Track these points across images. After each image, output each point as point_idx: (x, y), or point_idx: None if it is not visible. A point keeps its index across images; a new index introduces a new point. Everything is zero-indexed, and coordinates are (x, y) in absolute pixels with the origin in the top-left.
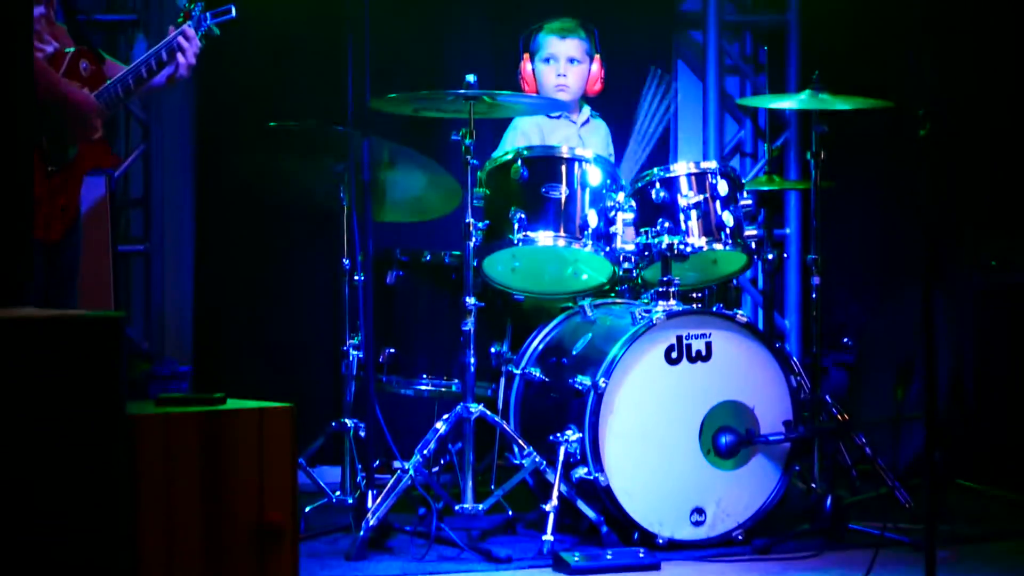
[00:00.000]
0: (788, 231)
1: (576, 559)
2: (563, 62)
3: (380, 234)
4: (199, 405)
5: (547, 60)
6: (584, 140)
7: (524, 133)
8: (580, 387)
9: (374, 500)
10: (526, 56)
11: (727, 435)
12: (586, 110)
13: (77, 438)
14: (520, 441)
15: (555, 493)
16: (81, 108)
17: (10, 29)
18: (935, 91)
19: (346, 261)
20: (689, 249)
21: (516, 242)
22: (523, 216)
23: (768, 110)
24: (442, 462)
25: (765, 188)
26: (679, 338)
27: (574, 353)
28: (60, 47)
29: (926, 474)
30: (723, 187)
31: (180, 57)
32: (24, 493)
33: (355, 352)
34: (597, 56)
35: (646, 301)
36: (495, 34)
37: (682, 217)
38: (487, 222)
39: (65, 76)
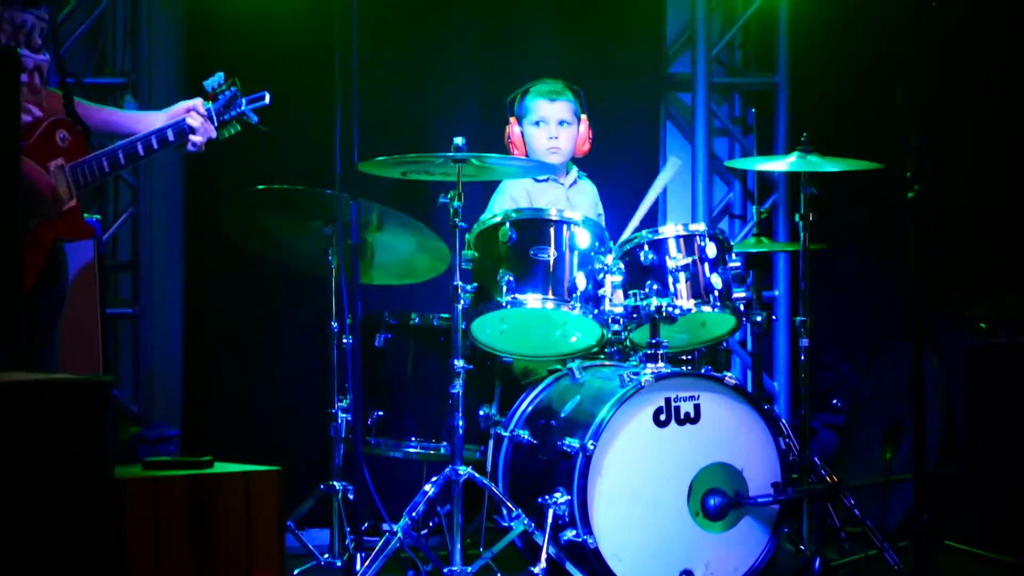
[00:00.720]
0: (777, 293)
1: None
2: (553, 125)
3: (368, 297)
4: (187, 469)
5: (537, 123)
6: (572, 202)
7: (512, 196)
8: (568, 449)
9: (362, 563)
10: (513, 120)
11: (716, 497)
12: (574, 171)
13: (65, 502)
14: (509, 503)
15: (543, 556)
16: (33, 186)
17: None
18: (923, 154)
19: (334, 324)
20: (677, 311)
21: (504, 305)
22: (511, 279)
23: (757, 172)
24: (431, 524)
25: (754, 250)
26: (668, 400)
27: (563, 415)
28: (42, 116)
29: (915, 536)
30: (711, 249)
31: (192, 138)
32: (12, 557)
33: (343, 415)
34: (584, 117)
35: (635, 363)
36: (483, 96)
37: (670, 279)
38: (475, 285)
39: (35, 146)
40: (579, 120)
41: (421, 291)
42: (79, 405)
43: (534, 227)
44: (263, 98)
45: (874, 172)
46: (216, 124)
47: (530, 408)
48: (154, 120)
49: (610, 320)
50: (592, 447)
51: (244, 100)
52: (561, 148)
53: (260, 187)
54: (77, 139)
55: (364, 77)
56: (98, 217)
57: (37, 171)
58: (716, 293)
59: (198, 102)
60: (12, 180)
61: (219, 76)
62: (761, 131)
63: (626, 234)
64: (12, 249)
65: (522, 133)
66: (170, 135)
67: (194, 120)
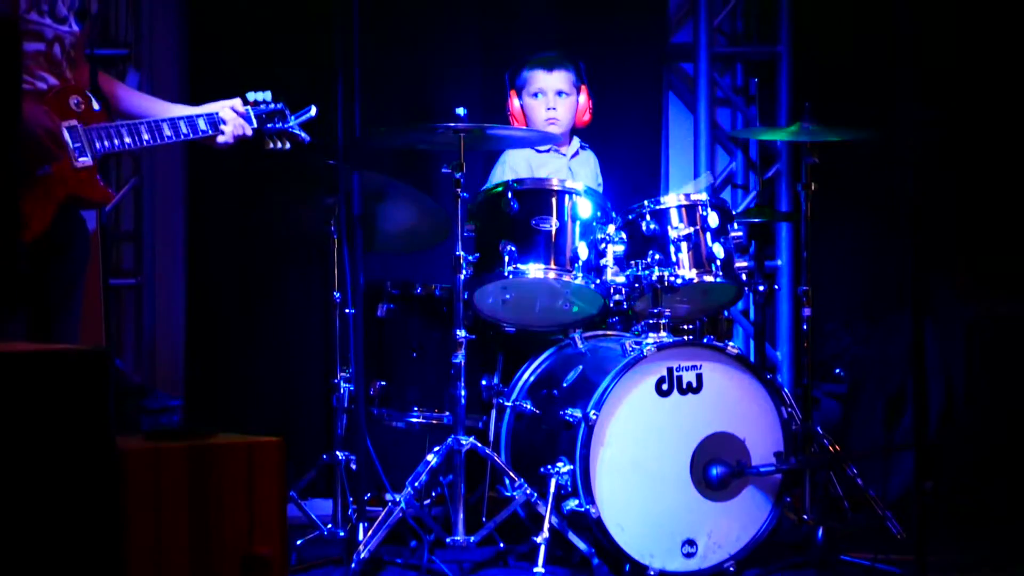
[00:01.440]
0: (779, 263)
1: None
2: (552, 95)
3: (370, 266)
4: (188, 439)
5: (535, 94)
6: (574, 172)
7: (512, 166)
8: (571, 419)
9: (365, 533)
10: (512, 92)
11: (718, 467)
12: (576, 142)
13: (65, 472)
14: (511, 473)
15: (546, 525)
16: (33, 127)
17: None
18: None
19: (337, 294)
20: (679, 281)
21: (507, 275)
22: (513, 249)
23: (759, 142)
24: (433, 494)
25: (756, 220)
26: (670, 370)
27: (565, 385)
28: (60, 84)
29: (916, 504)
30: (713, 219)
31: (223, 127)
32: (11, 526)
33: (346, 385)
34: (584, 87)
35: (637, 333)
36: (485, 66)
37: (672, 249)
38: (477, 255)
39: (47, 106)
40: (578, 90)
41: (423, 261)
42: (80, 375)
43: (536, 197)
44: (309, 111)
45: (876, 141)
46: (256, 125)
47: (532, 378)
48: (189, 112)
49: (612, 290)
50: (594, 416)
51: (292, 116)
52: (560, 119)
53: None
54: (89, 106)
55: (365, 47)
56: None
57: (40, 113)
58: (718, 263)
59: (236, 101)
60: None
61: (267, 94)
62: (763, 101)
63: None
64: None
65: (522, 105)
66: (201, 124)
67: (227, 114)
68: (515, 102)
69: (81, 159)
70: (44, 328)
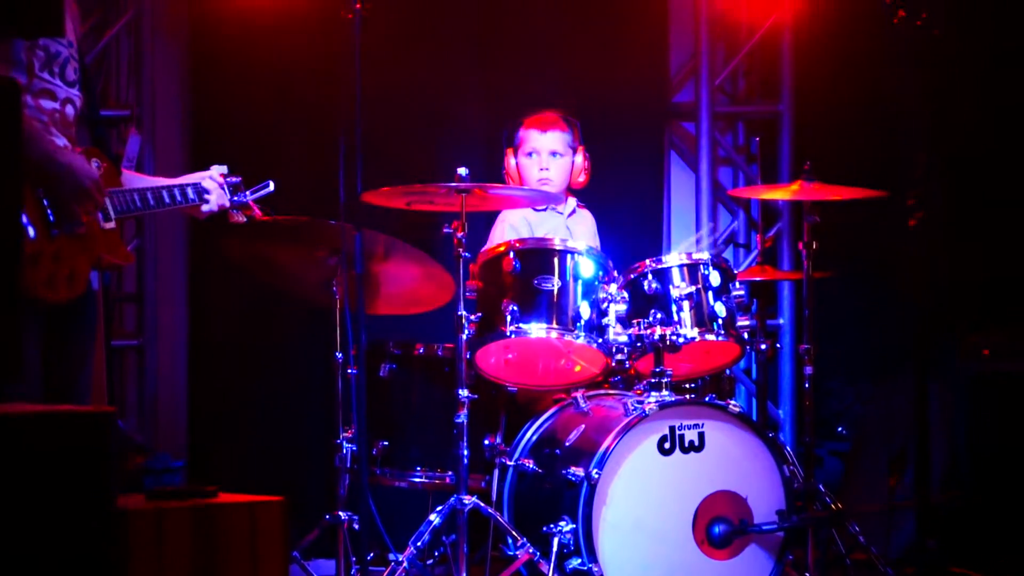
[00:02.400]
0: (781, 321)
1: None
2: (545, 156)
3: (373, 327)
4: (191, 498)
5: (529, 154)
6: (572, 231)
7: (512, 226)
8: (573, 478)
9: None
10: (509, 151)
11: (720, 525)
12: (572, 201)
13: (69, 533)
14: (514, 532)
15: None
16: (78, 173)
17: None
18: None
19: (339, 354)
20: (681, 340)
21: (509, 334)
22: (516, 308)
23: (761, 200)
24: (436, 554)
25: (758, 279)
26: (672, 428)
27: (567, 444)
28: (70, 146)
29: (919, 562)
30: (715, 278)
31: (208, 197)
32: None
33: (348, 445)
34: (581, 148)
35: (639, 392)
36: (487, 126)
37: (674, 308)
38: (480, 314)
39: None
40: (574, 151)
41: (425, 321)
42: (83, 436)
43: (538, 257)
44: (267, 186)
45: (878, 200)
46: (229, 195)
47: (535, 437)
48: (174, 183)
49: (614, 349)
50: (597, 475)
51: (248, 192)
52: (552, 180)
53: (265, 218)
54: (110, 168)
55: (368, 108)
56: None
57: (83, 162)
58: (720, 321)
59: (213, 170)
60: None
61: (224, 167)
62: (765, 160)
63: None
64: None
65: (517, 164)
66: (190, 192)
67: (209, 184)
68: (511, 161)
69: (107, 223)
70: (64, 390)
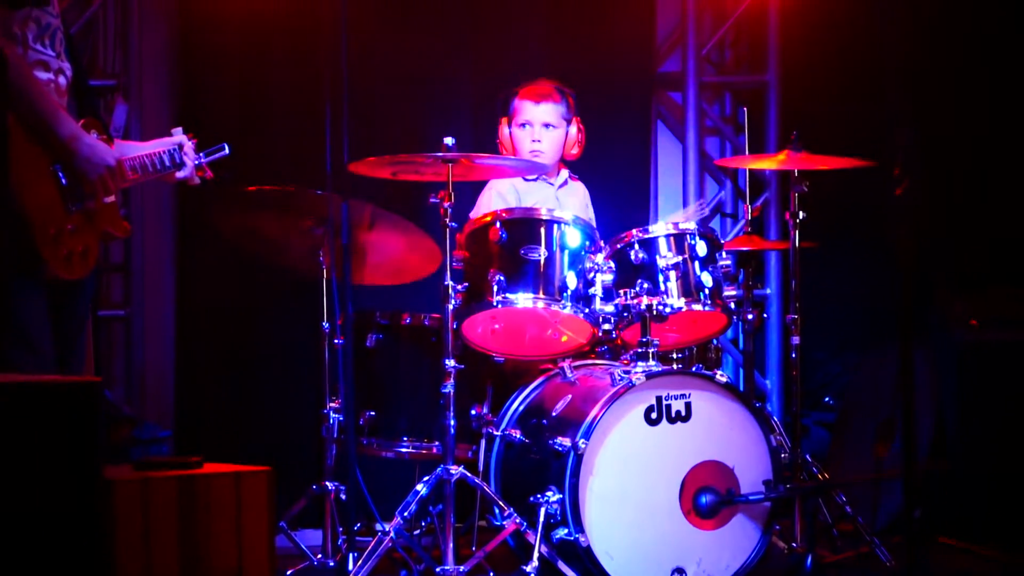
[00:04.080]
0: (768, 291)
1: None
2: (538, 127)
3: (360, 297)
4: (177, 468)
5: (523, 125)
6: (562, 202)
7: (500, 194)
8: (560, 448)
9: (355, 563)
10: (503, 120)
11: (707, 495)
12: (564, 172)
13: (55, 502)
14: (501, 502)
15: (536, 554)
16: (102, 155)
17: None
18: (912, 150)
19: (326, 324)
20: (668, 310)
21: (496, 304)
22: (502, 278)
23: (748, 170)
24: (423, 524)
25: (745, 248)
26: (659, 399)
27: (554, 414)
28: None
29: (906, 532)
30: (702, 248)
31: (186, 160)
32: (2, 557)
33: (335, 415)
34: (576, 119)
35: (626, 362)
36: (474, 96)
37: (661, 278)
38: (466, 284)
39: None
40: (568, 123)
41: (413, 291)
42: (69, 407)
43: (525, 227)
44: (222, 149)
45: (865, 170)
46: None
47: (522, 407)
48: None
49: (601, 319)
50: (583, 446)
51: (203, 154)
52: (544, 151)
53: (251, 187)
54: (106, 140)
55: (354, 77)
56: None
57: (106, 145)
58: (707, 291)
59: (176, 134)
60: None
61: (180, 128)
62: (752, 130)
63: None
64: None
65: (510, 134)
66: (175, 158)
67: (188, 148)
68: (504, 130)
69: (108, 197)
70: (64, 361)
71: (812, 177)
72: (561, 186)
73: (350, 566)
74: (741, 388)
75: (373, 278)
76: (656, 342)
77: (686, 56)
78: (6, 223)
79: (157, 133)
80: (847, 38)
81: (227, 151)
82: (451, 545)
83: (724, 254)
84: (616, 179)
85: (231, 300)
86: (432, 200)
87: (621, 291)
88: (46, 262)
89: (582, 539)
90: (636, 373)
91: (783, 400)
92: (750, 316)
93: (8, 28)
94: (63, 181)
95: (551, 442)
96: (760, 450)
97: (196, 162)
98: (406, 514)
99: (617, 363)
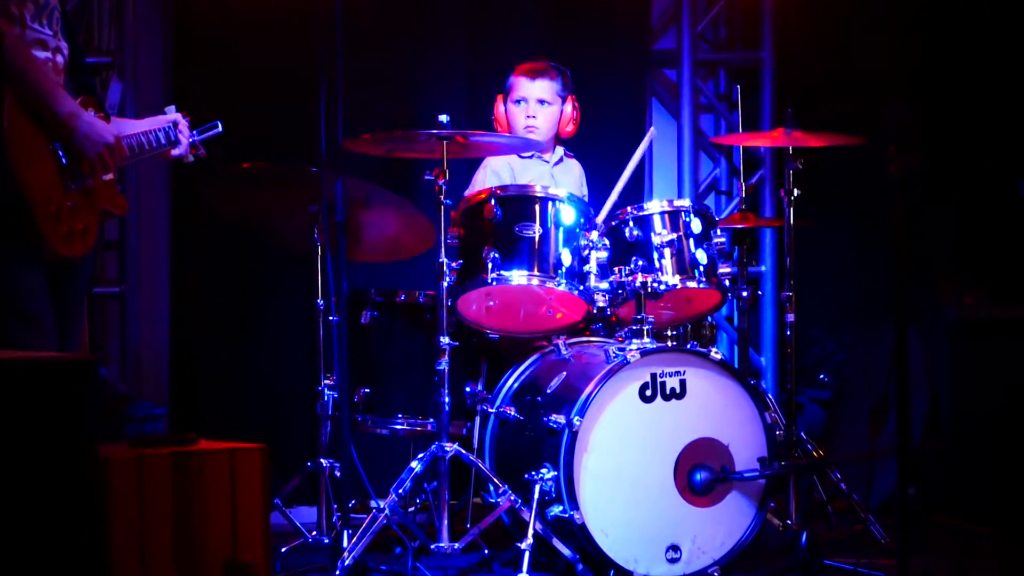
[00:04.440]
0: (763, 268)
1: None
2: (533, 103)
3: (355, 274)
4: (172, 445)
5: (518, 101)
6: (557, 180)
7: (495, 172)
8: (555, 425)
9: (350, 540)
10: (499, 97)
11: (702, 472)
12: (559, 150)
13: (50, 479)
14: (495, 479)
15: (530, 531)
16: (101, 134)
17: None
18: (908, 128)
19: (320, 301)
20: (663, 287)
21: (490, 281)
22: (497, 255)
23: (743, 148)
24: (418, 501)
25: (740, 226)
26: (653, 376)
27: (548, 391)
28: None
29: (900, 510)
30: (696, 225)
31: (180, 138)
32: None
33: (330, 392)
34: (571, 97)
35: (620, 339)
36: (470, 74)
37: (656, 255)
38: (461, 261)
39: None
40: (563, 100)
41: (407, 268)
42: (65, 385)
43: (520, 204)
44: (216, 127)
45: (860, 147)
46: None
47: (516, 384)
48: (149, 126)
49: (595, 296)
50: (578, 423)
51: (196, 132)
52: (538, 128)
53: (246, 165)
54: (104, 118)
55: (349, 54)
56: None
57: (105, 124)
58: (701, 268)
59: (175, 115)
60: None
61: (172, 107)
62: (747, 107)
63: (607, 206)
64: None
65: (506, 111)
66: (171, 135)
67: (183, 125)
68: (500, 107)
69: (106, 175)
70: (63, 339)
71: (807, 154)
72: (556, 164)
73: (345, 543)
74: (736, 365)
75: (368, 256)
76: (651, 319)
77: (681, 33)
78: (7, 201)
79: (151, 110)
80: (842, 15)
81: (220, 129)
82: (446, 522)
83: (719, 231)
84: (610, 156)
85: (226, 278)
86: (427, 177)
87: (616, 268)
88: (46, 239)
89: (577, 516)
90: (631, 350)
91: (778, 377)
92: (745, 293)
93: (6, 8)
94: (63, 159)
95: (546, 419)
96: (755, 427)
97: (190, 140)
98: (401, 491)
99: (612, 340)
